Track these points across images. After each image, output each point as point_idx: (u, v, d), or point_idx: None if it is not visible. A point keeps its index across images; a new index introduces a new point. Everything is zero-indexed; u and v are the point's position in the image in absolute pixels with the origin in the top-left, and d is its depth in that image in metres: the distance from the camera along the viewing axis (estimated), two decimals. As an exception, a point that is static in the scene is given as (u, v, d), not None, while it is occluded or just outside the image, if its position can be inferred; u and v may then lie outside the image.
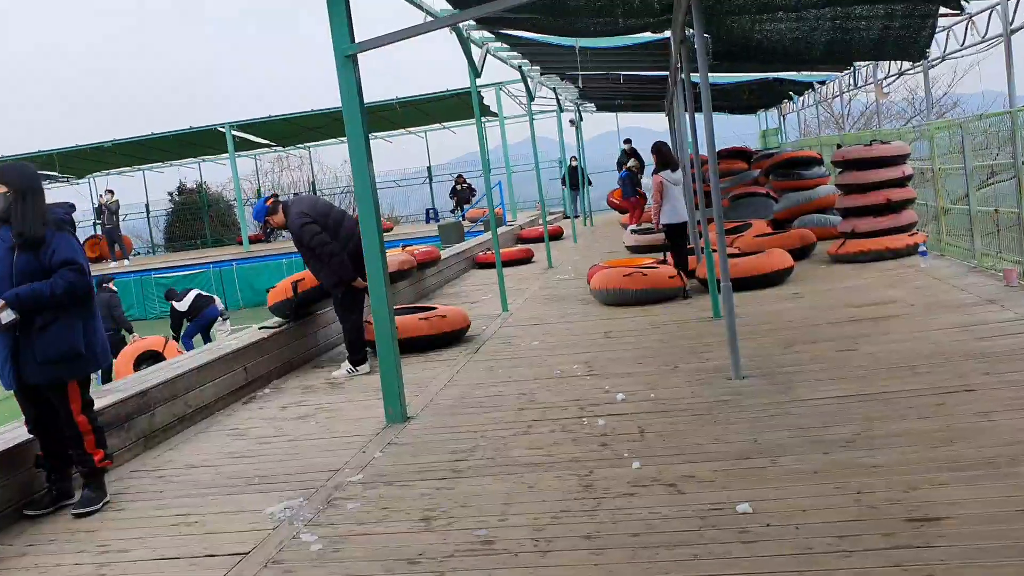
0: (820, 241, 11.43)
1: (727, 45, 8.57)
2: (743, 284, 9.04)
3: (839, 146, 10.94)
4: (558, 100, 17.76)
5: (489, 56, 11.51)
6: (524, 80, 13.04)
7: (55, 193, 31.46)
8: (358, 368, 7.31)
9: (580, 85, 14.44)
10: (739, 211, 14.21)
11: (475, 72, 9.47)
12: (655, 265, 9.82)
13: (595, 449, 4.61)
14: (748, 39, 8.30)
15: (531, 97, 13.75)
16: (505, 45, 10.84)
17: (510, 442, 4.92)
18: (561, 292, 10.93)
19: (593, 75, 13.87)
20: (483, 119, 27.85)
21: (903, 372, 5.34)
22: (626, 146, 21.23)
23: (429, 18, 7.36)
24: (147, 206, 31.51)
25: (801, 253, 10.79)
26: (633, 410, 5.28)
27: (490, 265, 14.74)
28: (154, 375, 6.14)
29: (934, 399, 4.72)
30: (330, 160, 46.96)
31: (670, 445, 4.54)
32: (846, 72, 14.35)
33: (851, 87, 15.03)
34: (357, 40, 5.48)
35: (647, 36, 8.97)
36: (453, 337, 8.10)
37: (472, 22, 9.00)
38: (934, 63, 10.57)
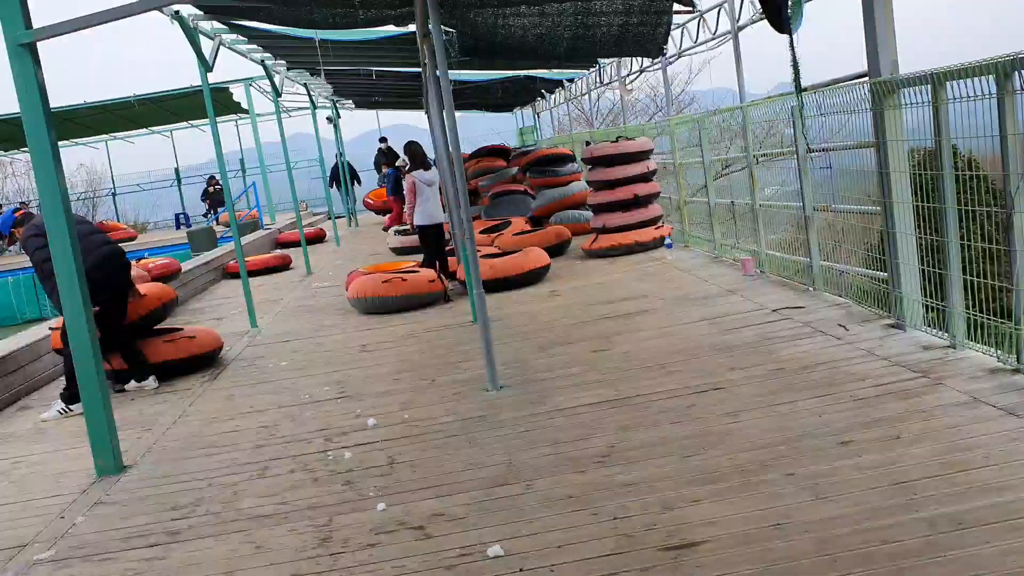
0: (575, 237, 11.58)
1: (474, 40, 8.33)
2: (502, 284, 8.89)
3: (588, 143, 11.11)
4: (311, 96, 16.94)
5: (228, 50, 10.60)
6: (268, 75, 12.19)
7: None
8: (72, 407, 6.32)
9: (324, 80, 13.74)
10: (499, 209, 14.18)
11: (205, 66, 8.59)
12: (415, 269, 9.44)
13: (337, 490, 4.12)
14: (493, 35, 8.10)
15: (277, 93, 12.89)
16: (242, 37, 9.99)
17: (241, 490, 4.30)
18: (319, 302, 10.27)
19: (343, 71, 13.27)
20: (235, 116, 26.30)
21: (655, 371, 5.28)
22: (382, 144, 20.74)
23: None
24: None
25: (558, 250, 10.85)
26: (384, 436, 4.83)
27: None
28: None
29: (685, 401, 4.65)
30: (64, 165, 42.77)
31: (420, 476, 4.14)
32: (592, 70, 14.72)
33: (598, 84, 15.46)
34: (36, 26, 4.60)
35: (391, 30, 8.54)
36: (205, 360, 7.27)
37: (198, 11, 8.14)
38: (671, 60, 10.98)
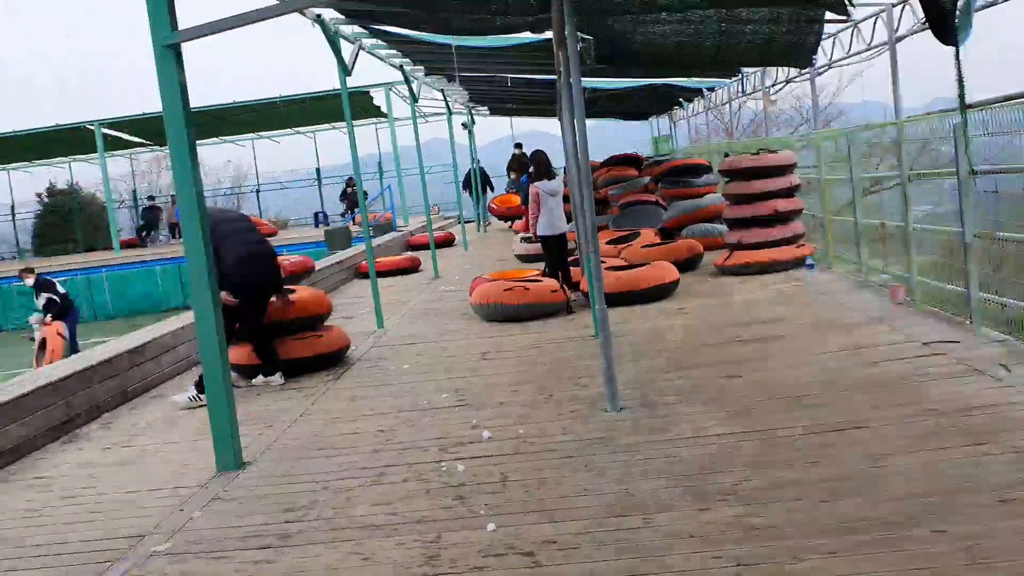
0: (707, 252, 11.17)
1: (611, 48, 8.13)
2: (628, 299, 8.64)
3: (727, 154, 10.71)
4: (447, 102, 17.15)
5: (369, 55, 10.81)
6: (407, 81, 12.37)
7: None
8: (202, 396, 6.51)
9: (459, 85, 13.81)
10: (628, 219, 13.89)
11: (344, 70, 8.74)
12: (538, 278, 9.32)
13: (449, 505, 4.01)
14: (631, 42, 7.88)
15: (414, 98, 13.08)
16: (381, 42, 10.15)
17: (355, 496, 4.26)
18: (444, 306, 10.31)
19: (477, 76, 13.33)
20: (374, 120, 27.05)
21: (790, 404, 4.93)
22: (517, 151, 20.79)
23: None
24: (12, 208, 29.34)
25: (688, 264, 10.48)
26: (499, 451, 4.70)
27: (375, 274, 14.00)
28: (-62, 419, 5.21)
29: (823, 439, 4.30)
30: (212, 160, 45.05)
31: (532, 498, 3.98)
32: (734, 79, 14.24)
33: (739, 94, 14.95)
34: (181, 27, 4.73)
35: (527, 37, 8.45)
36: (332, 359, 7.39)
37: (339, 15, 8.31)
38: (820, 71, 10.44)
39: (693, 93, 16.50)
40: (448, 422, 5.38)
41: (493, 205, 21.21)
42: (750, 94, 14.37)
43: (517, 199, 20.06)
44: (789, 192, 9.95)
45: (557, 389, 5.86)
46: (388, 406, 5.93)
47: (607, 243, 11.70)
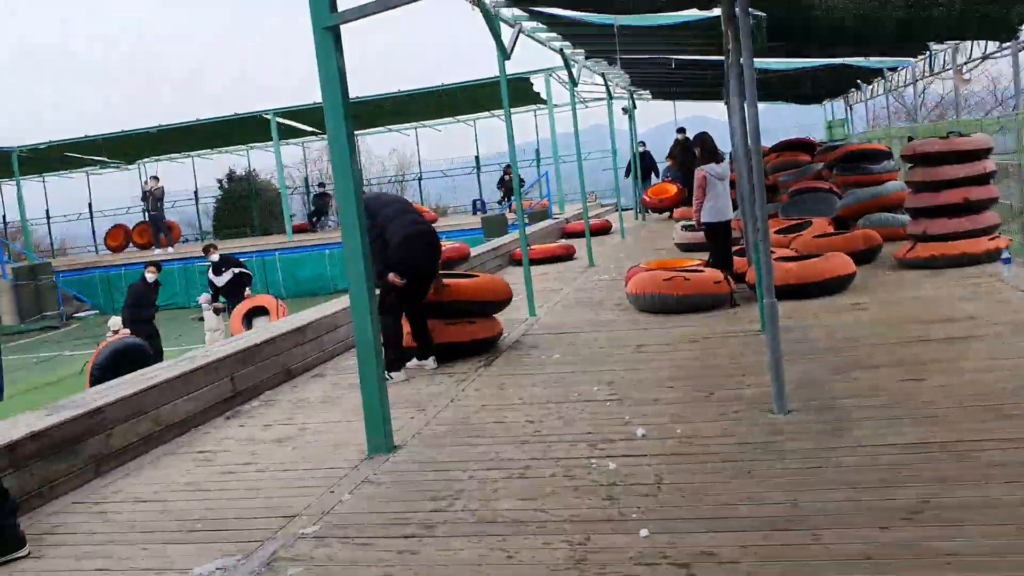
0: (887, 243, 10.35)
1: (785, 24, 7.60)
2: (799, 291, 8.10)
3: (911, 138, 9.86)
4: (607, 86, 16.83)
5: (528, 39, 10.69)
6: (566, 64, 12.17)
7: (104, 179, 31.70)
8: (392, 374, 6.61)
9: (620, 68, 13.42)
10: (800, 207, 13.11)
11: (504, 54, 8.64)
12: (700, 268, 8.91)
13: (598, 505, 3.79)
14: (807, 17, 7.33)
15: (574, 83, 12.87)
16: (541, 25, 10.00)
17: (500, 488, 4.13)
18: (597, 295, 10.07)
19: (640, 59, 12.95)
20: (534, 107, 27.06)
21: (984, 413, 4.39)
22: (680, 135, 20.15)
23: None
24: (196, 192, 31.46)
25: (865, 256, 9.73)
26: (653, 451, 4.44)
27: (530, 262, 13.94)
28: (114, 390, 5.49)
29: (1022, 456, 3.78)
30: (378, 149, 46.67)
31: (689, 504, 3.70)
32: (921, 57, 13.14)
33: (926, 74, 13.80)
34: (340, 9, 4.72)
35: (693, 14, 8.05)
36: (486, 345, 7.35)
37: (499, -3, 8.20)
38: (1024, 45, 9.41)
39: (873, 74, 15.37)
40: (598, 416, 5.16)
41: (646, 197, 20.45)
42: (937, 73, 13.22)
43: (673, 188, 19.26)
44: (983, 179, 9.05)
45: (718, 387, 5.51)
46: (537, 396, 5.78)
47: (776, 232, 11.07)
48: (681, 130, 20.45)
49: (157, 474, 4.96)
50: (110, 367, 9.70)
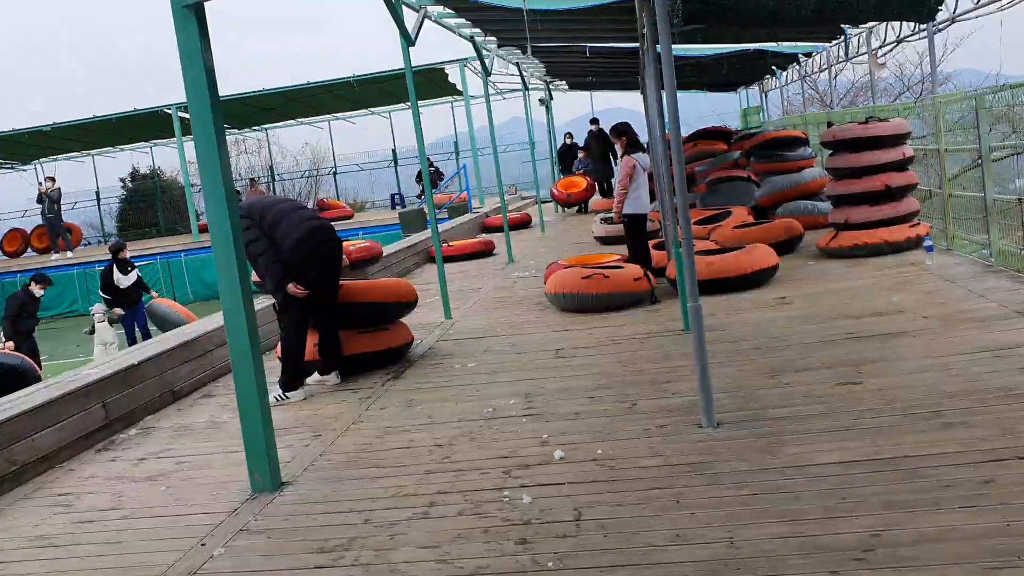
0: (808, 232, 10.15)
1: (702, 5, 7.21)
2: (720, 286, 7.76)
3: (830, 124, 9.64)
4: (522, 77, 16.36)
5: (436, 25, 10.11)
6: (478, 53, 11.64)
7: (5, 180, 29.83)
8: (289, 394, 5.98)
9: (533, 57, 12.93)
10: (718, 197, 12.90)
11: (407, 39, 8.05)
12: (620, 264, 8.50)
13: (510, 551, 3.29)
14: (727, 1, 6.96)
15: (487, 72, 12.35)
16: (448, 10, 9.43)
17: (399, 533, 3.59)
18: (517, 293, 9.59)
19: (553, 47, 12.49)
20: (451, 98, 26.44)
21: (928, 422, 4.04)
22: (593, 127, 19.76)
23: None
24: (97, 193, 29.86)
25: (787, 246, 9.49)
26: (572, 476, 3.97)
27: (448, 259, 13.37)
28: (-47, 429, 4.76)
29: (978, 472, 3.42)
30: (291, 143, 45.32)
31: (613, 545, 3.23)
32: (836, 42, 13.03)
33: (840, 59, 13.71)
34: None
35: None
36: (396, 354, 6.76)
37: (401, -21, 7.61)
38: (940, 27, 9.26)
39: (787, 60, 15.26)
40: (515, 436, 4.67)
41: (555, 190, 19.62)
42: (852, 58, 13.13)
43: (583, 182, 18.97)
44: (902, 165, 8.87)
45: (642, 396, 5.07)
46: (448, 413, 5.25)
47: (695, 223, 10.76)
48: (594, 121, 20.08)
49: (4, 525, 4.26)
50: None
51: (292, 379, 6.08)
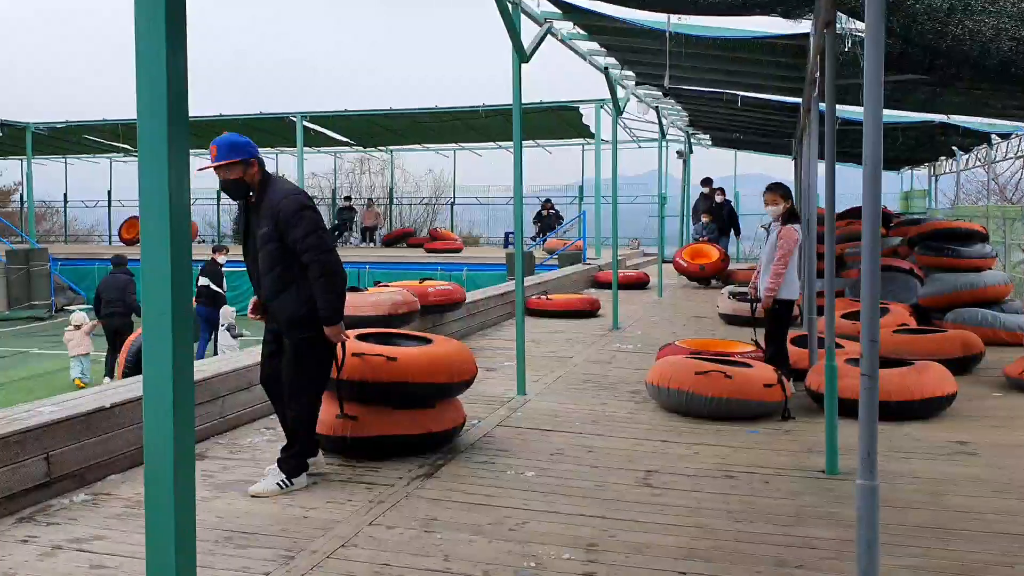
0: (987, 348, 8.11)
1: (903, 45, 5.50)
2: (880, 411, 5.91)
3: (1040, 221, 7.64)
4: (661, 124, 14.79)
5: (563, 45, 8.71)
6: (610, 85, 10.16)
7: (130, 167, 30.38)
8: (294, 480, 4.55)
9: (668, 89, 11.23)
10: (871, 287, 10.89)
11: (520, 54, 6.65)
12: (748, 362, 6.77)
13: None
14: (939, 36, 5.21)
15: (618, 110, 10.86)
16: (580, 32, 8.02)
17: None
18: (613, 372, 7.95)
19: (698, 92, 10.89)
20: (582, 141, 25.11)
21: None
22: (705, 189, 17.56)
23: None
24: (218, 193, 29.88)
25: (960, 365, 7.51)
26: None
27: (545, 313, 11.88)
28: None
29: None
30: (415, 168, 44.96)
31: None
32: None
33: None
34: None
35: (768, 27, 6.01)
36: (440, 439, 5.22)
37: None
38: None
39: (976, 140, 13.07)
40: (556, 626, 3.05)
41: (681, 259, 16.29)
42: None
43: (715, 252, 16.02)
44: None
45: (758, 587, 3.37)
46: (473, 555, 3.69)
47: (842, 316, 8.89)
48: (707, 181, 17.95)
49: None
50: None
51: (305, 455, 4.66)
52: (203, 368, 5.67)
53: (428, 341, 5.36)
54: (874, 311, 2.86)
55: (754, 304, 7.06)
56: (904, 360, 6.57)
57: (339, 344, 4.70)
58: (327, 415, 4.87)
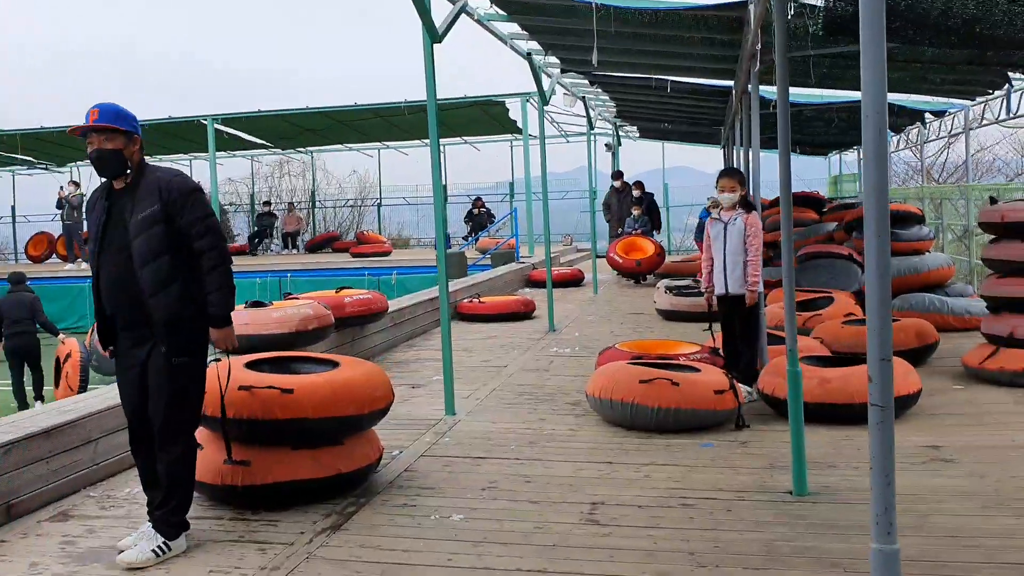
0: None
1: (854, 7, 4.95)
2: (835, 414, 5.40)
3: (993, 200, 7.22)
4: (588, 114, 14.23)
5: (489, 33, 8.03)
6: (534, 72, 9.52)
7: (34, 180, 28.70)
8: (172, 543, 3.76)
9: (603, 93, 10.70)
10: (811, 276, 10.43)
11: (431, 34, 5.95)
12: (697, 362, 6.20)
13: None
14: (896, 1, 4.67)
15: (544, 100, 10.23)
16: (497, 11, 7.35)
17: None
18: (551, 381, 7.31)
19: (626, 76, 10.34)
20: (511, 137, 24.47)
21: None
22: (616, 182, 16.87)
23: None
24: (132, 204, 28.44)
25: (916, 356, 7.04)
26: None
27: (477, 317, 11.18)
28: None
29: None
30: (337, 169, 43.62)
31: None
32: (980, 100, 10.62)
33: (976, 122, 11.26)
34: None
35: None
36: (350, 481, 4.47)
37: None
38: None
39: (910, 118, 12.78)
40: None
41: (615, 255, 15.26)
42: (1001, 120, 10.68)
43: (651, 247, 15.21)
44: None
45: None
46: (390, 634, 2.98)
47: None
48: (618, 174, 17.39)
49: None
50: None
51: (186, 510, 3.88)
52: (69, 408, 4.82)
53: (335, 364, 4.61)
54: (886, 320, 2.24)
55: (712, 301, 6.49)
56: (860, 356, 6.06)
57: (222, 366, 3.95)
58: (212, 461, 4.09)
